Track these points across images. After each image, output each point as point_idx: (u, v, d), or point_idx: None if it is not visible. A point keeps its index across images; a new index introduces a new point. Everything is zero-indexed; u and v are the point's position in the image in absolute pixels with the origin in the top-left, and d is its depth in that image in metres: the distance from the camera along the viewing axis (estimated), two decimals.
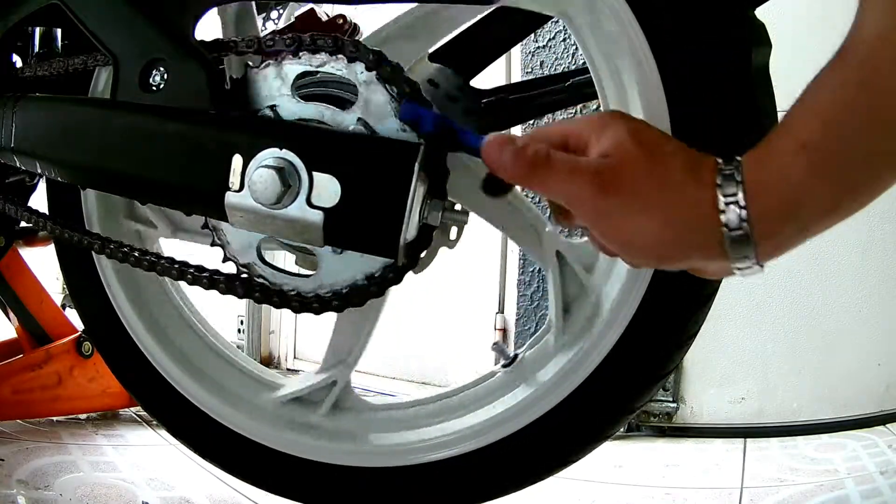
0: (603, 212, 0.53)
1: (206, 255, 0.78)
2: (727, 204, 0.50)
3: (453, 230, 0.84)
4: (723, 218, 0.50)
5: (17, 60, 1.07)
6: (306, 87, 0.78)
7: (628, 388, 0.80)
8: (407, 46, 0.79)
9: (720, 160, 0.52)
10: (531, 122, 1.47)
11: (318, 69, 0.68)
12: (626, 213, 0.53)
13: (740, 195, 0.50)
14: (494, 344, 0.76)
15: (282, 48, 0.68)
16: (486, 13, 0.85)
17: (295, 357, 2.45)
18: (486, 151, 0.57)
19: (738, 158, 0.51)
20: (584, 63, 0.77)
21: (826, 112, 0.49)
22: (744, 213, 0.50)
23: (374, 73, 0.65)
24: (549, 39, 1.78)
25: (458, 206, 0.84)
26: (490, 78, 0.92)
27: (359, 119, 0.66)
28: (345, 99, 0.76)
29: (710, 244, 0.51)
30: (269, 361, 2.46)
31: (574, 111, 1.50)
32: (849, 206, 0.52)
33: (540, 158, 0.55)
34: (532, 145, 0.55)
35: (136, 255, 0.77)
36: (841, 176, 0.50)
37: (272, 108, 0.68)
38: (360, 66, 0.66)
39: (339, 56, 0.66)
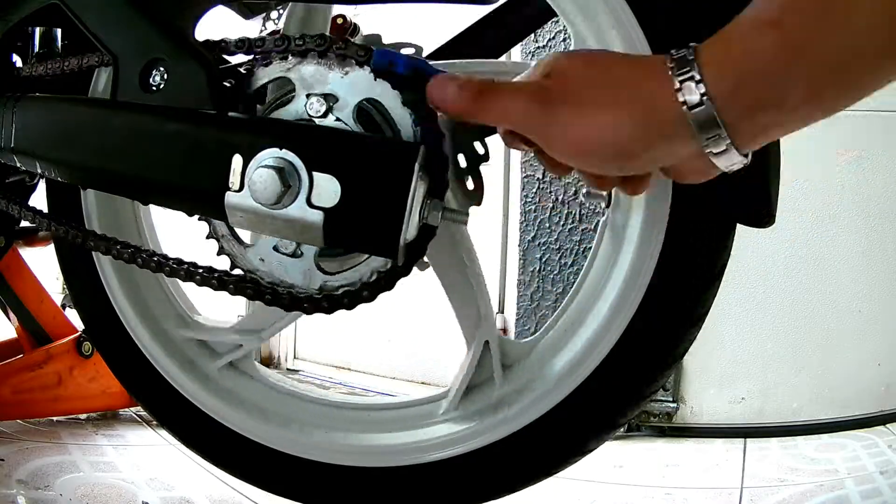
0: (551, 122, 0.53)
1: (204, 254, 0.78)
2: (682, 82, 0.48)
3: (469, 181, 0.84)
4: (680, 97, 0.49)
5: (17, 60, 1.07)
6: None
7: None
8: None
9: (672, 50, 0.50)
10: None
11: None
12: (576, 116, 0.52)
13: (695, 73, 0.48)
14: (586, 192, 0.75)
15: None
16: (486, 13, 0.85)
17: (295, 357, 2.45)
18: (431, 89, 0.58)
19: (692, 44, 0.50)
20: None
21: None
22: (701, 87, 0.48)
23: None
24: (549, 39, 1.78)
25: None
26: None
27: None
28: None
29: (675, 128, 0.50)
30: (269, 361, 2.46)
31: None
32: (830, 98, 0.48)
33: (485, 85, 0.56)
34: (476, 77, 0.57)
35: (144, 256, 0.77)
36: (812, 59, 0.46)
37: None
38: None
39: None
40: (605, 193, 0.79)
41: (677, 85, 0.49)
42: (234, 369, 0.97)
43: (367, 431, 0.90)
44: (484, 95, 0.56)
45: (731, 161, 0.51)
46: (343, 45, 0.66)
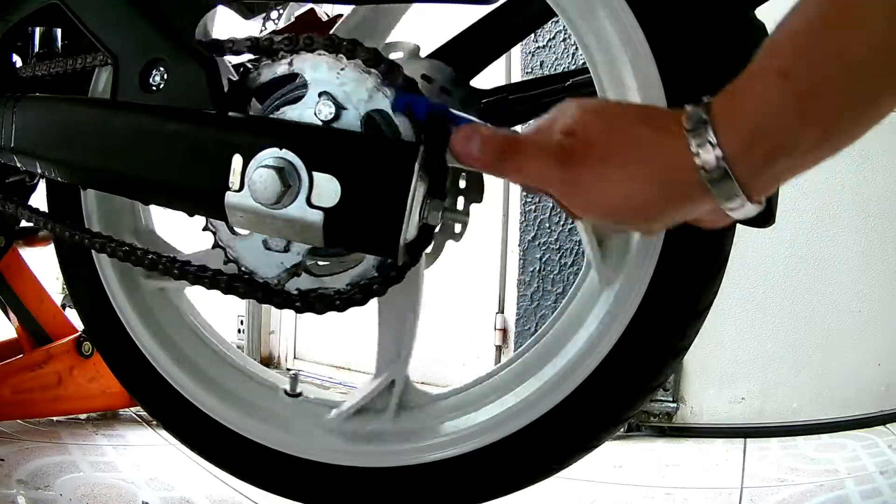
0: (575, 183, 0.54)
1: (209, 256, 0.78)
2: (699, 146, 0.49)
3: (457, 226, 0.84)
4: (698, 161, 0.49)
5: (17, 60, 1.07)
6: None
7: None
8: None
9: (688, 106, 0.51)
10: (531, 122, 1.47)
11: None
12: (599, 179, 0.53)
13: (710, 136, 0.48)
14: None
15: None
16: (486, 13, 0.85)
17: (295, 357, 2.45)
18: (453, 142, 0.58)
19: (706, 98, 0.50)
20: (584, 63, 0.77)
21: (801, 37, 0.47)
22: (718, 151, 0.48)
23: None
24: (549, 39, 1.78)
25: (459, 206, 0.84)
26: (490, 78, 0.92)
27: (321, 93, 0.66)
28: None
29: (692, 190, 0.50)
30: (269, 361, 2.46)
31: None
32: (841, 134, 0.48)
33: (507, 142, 0.56)
34: (499, 132, 0.57)
35: (139, 254, 0.77)
36: (824, 102, 0.47)
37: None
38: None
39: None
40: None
41: (694, 149, 0.49)
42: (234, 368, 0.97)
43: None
44: (507, 154, 0.56)
45: (747, 212, 0.52)
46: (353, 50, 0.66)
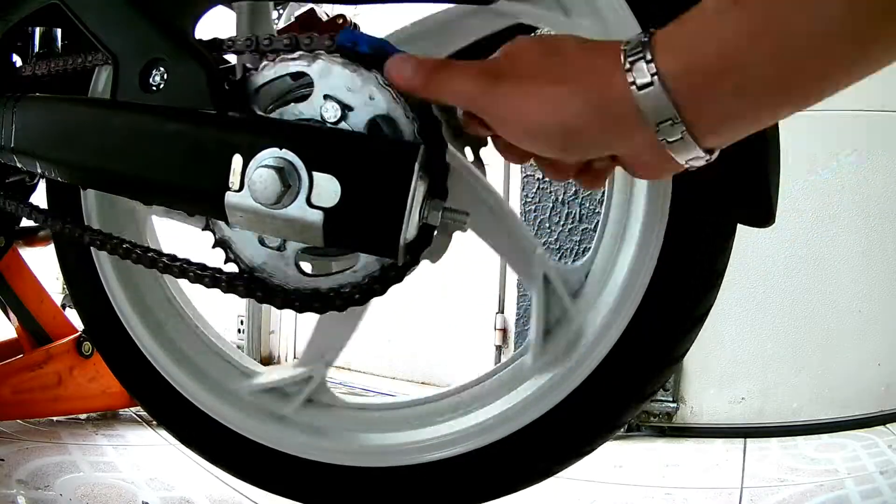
0: (497, 97, 0.53)
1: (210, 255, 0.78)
2: (632, 63, 0.46)
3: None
4: (630, 77, 0.46)
5: (17, 60, 1.07)
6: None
7: (603, 412, 0.82)
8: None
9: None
10: None
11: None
12: (519, 91, 0.52)
13: (647, 53, 0.46)
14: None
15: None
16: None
17: (295, 357, 2.45)
18: (388, 68, 0.60)
19: (652, 29, 0.48)
20: None
21: None
22: (652, 66, 0.46)
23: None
24: None
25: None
26: None
27: (325, 96, 0.66)
28: None
29: (622, 109, 0.47)
30: (269, 361, 2.46)
31: None
32: (802, 84, 0.44)
33: (438, 64, 0.58)
34: (431, 58, 0.59)
35: (139, 252, 0.77)
36: (782, 36, 0.42)
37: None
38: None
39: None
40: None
41: (627, 65, 0.47)
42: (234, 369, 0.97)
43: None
44: (437, 73, 0.57)
45: (691, 154, 0.48)
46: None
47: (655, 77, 0.46)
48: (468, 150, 0.85)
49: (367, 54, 0.65)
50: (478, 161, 0.86)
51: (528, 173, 1.80)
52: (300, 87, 0.71)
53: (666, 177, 0.55)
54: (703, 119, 0.46)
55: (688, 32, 0.46)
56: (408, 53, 0.62)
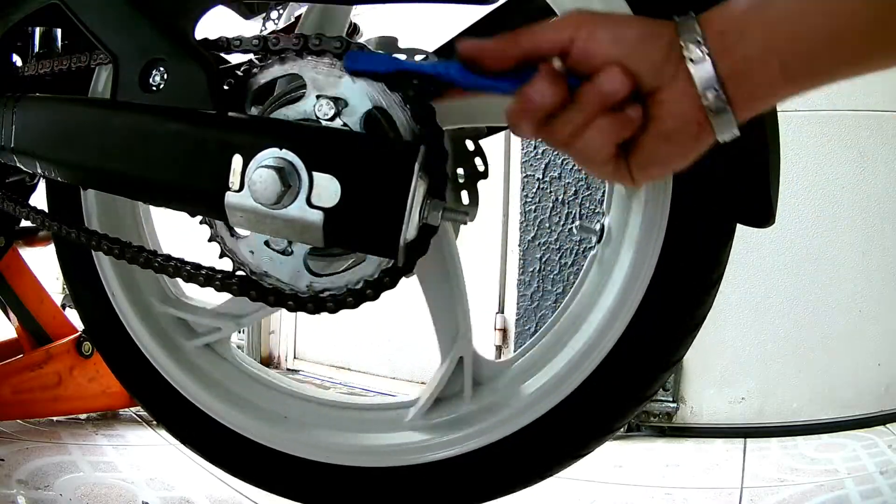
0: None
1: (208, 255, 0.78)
2: (686, 41, 0.51)
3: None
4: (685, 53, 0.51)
5: (17, 60, 1.07)
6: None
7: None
8: None
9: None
10: None
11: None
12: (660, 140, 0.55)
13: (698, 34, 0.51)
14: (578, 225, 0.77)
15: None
16: (486, 13, 0.85)
17: (295, 357, 2.45)
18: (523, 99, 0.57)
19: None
20: None
21: None
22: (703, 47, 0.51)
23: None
24: None
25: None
26: None
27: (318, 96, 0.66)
28: None
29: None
30: (269, 361, 2.46)
31: None
32: (844, 63, 0.50)
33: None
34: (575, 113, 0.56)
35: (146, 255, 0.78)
36: (829, 20, 0.49)
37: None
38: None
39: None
40: (596, 228, 0.82)
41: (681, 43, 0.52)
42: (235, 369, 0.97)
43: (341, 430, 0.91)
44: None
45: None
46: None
47: (707, 55, 0.51)
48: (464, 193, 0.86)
49: (387, 74, 0.64)
50: (475, 195, 0.86)
51: (528, 174, 1.80)
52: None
53: (685, 160, 0.56)
54: (742, 92, 0.51)
55: (736, 17, 0.51)
56: (473, 41, 0.59)
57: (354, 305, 0.71)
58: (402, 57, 0.70)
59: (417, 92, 0.65)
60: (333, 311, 0.72)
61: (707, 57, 0.51)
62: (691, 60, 0.51)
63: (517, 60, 0.57)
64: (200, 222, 0.74)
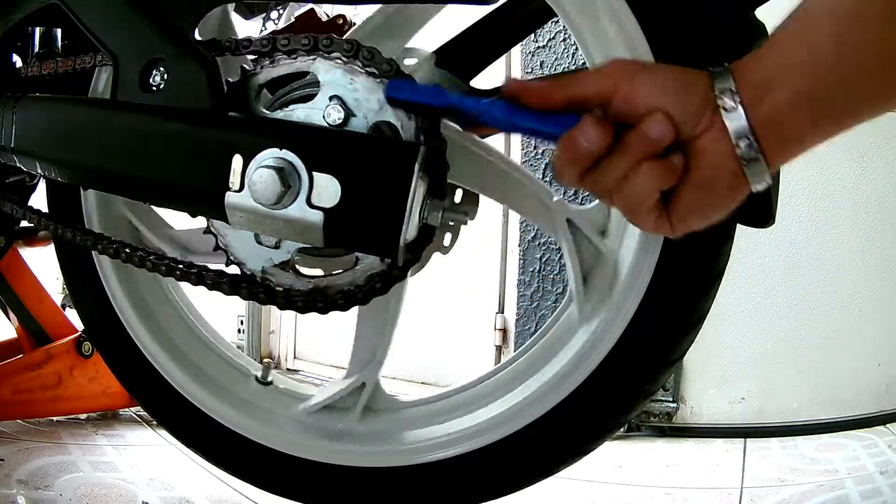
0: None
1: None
2: (721, 91, 0.53)
3: (447, 236, 0.83)
4: (720, 103, 0.53)
5: (17, 60, 1.07)
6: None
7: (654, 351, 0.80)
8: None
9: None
10: None
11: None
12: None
13: (732, 85, 0.53)
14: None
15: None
16: (486, 13, 0.85)
17: (295, 357, 2.45)
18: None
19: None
20: (584, 63, 0.77)
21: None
22: (736, 96, 0.52)
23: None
24: (549, 39, 1.78)
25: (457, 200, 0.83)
26: (490, 78, 0.92)
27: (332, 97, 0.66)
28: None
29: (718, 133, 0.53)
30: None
31: None
32: (868, 108, 0.52)
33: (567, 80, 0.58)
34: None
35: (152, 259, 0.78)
36: (856, 66, 0.50)
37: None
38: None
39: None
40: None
41: (716, 92, 0.53)
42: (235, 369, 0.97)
43: None
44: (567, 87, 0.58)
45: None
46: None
47: (740, 105, 0.52)
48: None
49: (426, 106, 0.64)
50: (474, 195, 0.85)
51: None
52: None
53: (723, 210, 0.57)
54: (774, 141, 0.53)
55: (764, 69, 0.53)
56: (519, 81, 0.60)
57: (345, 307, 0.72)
58: (445, 88, 0.69)
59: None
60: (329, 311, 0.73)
61: (739, 106, 0.52)
62: (725, 110, 0.52)
63: (561, 104, 0.58)
64: (205, 231, 0.74)
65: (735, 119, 0.52)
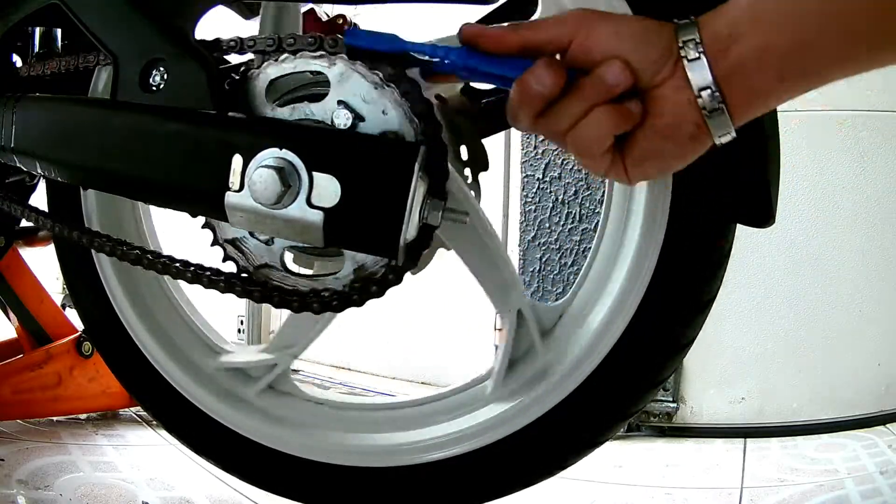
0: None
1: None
2: (685, 42, 0.53)
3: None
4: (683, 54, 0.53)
5: (17, 60, 1.07)
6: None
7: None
8: None
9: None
10: None
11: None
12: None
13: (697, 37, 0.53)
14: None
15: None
16: (486, 13, 0.85)
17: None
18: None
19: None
20: None
21: None
22: (700, 47, 0.52)
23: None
24: None
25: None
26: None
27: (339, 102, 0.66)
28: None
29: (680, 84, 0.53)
30: None
31: None
32: (833, 66, 0.51)
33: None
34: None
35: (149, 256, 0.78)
36: (822, 22, 0.50)
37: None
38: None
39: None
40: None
41: (680, 43, 0.54)
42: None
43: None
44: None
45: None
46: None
47: (703, 55, 0.52)
48: (468, 173, 0.85)
49: (386, 53, 0.64)
50: (475, 184, 0.86)
51: (528, 174, 1.80)
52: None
53: (682, 160, 0.57)
54: (739, 94, 0.53)
55: (731, 21, 0.52)
56: (473, 26, 0.60)
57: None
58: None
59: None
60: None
61: (703, 56, 0.52)
62: (688, 60, 0.52)
63: (517, 48, 0.58)
64: (203, 226, 0.74)
65: (698, 69, 0.52)
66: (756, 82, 0.52)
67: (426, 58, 0.63)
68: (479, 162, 0.91)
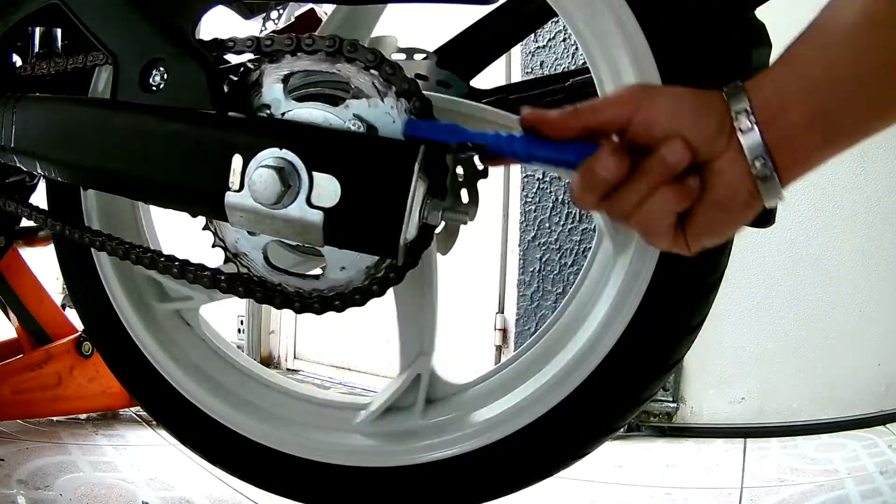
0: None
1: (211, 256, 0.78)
2: (736, 112, 0.54)
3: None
4: (736, 125, 0.53)
5: (17, 60, 1.07)
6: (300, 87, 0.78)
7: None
8: None
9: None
10: None
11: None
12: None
13: (747, 105, 0.53)
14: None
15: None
16: (486, 13, 0.85)
17: (295, 357, 2.45)
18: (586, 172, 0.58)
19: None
20: (585, 63, 0.77)
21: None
22: (751, 116, 0.53)
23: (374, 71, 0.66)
24: (549, 39, 1.78)
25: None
26: (490, 78, 0.92)
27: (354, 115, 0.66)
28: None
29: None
30: (268, 361, 2.46)
31: None
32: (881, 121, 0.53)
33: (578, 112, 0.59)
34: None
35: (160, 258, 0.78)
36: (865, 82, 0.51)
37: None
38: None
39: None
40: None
41: (732, 115, 0.54)
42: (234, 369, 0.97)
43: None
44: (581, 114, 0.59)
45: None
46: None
47: (755, 125, 0.53)
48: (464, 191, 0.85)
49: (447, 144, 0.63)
50: (474, 194, 0.86)
51: (528, 174, 1.80)
52: None
53: (736, 227, 0.59)
54: (788, 159, 0.54)
55: (779, 88, 0.54)
56: (535, 110, 0.60)
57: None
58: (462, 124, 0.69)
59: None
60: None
61: (755, 126, 0.53)
62: (741, 131, 0.53)
63: (578, 133, 0.58)
64: (204, 228, 0.75)
65: (751, 139, 0.53)
66: (804, 147, 0.54)
67: (488, 147, 0.62)
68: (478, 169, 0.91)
